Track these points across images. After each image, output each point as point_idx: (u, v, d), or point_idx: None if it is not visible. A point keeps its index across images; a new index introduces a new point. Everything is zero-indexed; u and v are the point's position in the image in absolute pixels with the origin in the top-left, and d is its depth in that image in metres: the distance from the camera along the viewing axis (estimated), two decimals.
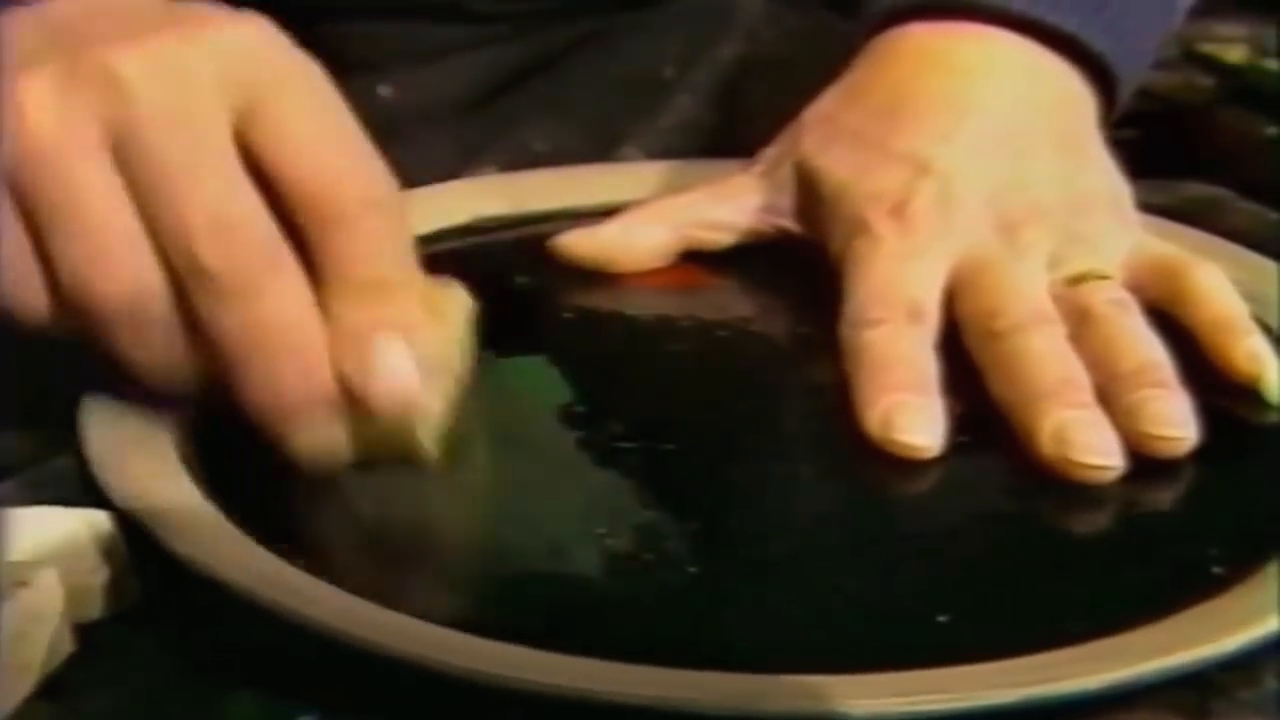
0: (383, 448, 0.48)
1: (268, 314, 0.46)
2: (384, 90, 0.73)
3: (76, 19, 0.49)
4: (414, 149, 0.71)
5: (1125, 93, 0.63)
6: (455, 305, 0.52)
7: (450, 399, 0.50)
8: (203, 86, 0.47)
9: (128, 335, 0.47)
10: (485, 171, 0.72)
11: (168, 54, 0.47)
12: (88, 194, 0.46)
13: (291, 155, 0.47)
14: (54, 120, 0.46)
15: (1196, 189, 0.71)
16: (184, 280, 0.47)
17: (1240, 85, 0.85)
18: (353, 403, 0.47)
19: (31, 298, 0.47)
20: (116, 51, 0.47)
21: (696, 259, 0.64)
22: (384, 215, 0.48)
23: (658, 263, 0.64)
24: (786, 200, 0.63)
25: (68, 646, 0.44)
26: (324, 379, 0.47)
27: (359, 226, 0.47)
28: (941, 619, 0.45)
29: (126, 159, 0.46)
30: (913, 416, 0.52)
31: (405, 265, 0.49)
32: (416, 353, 0.47)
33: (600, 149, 0.74)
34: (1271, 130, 0.81)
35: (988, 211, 0.58)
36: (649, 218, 0.64)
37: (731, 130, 0.75)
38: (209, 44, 0.48)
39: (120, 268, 0.46)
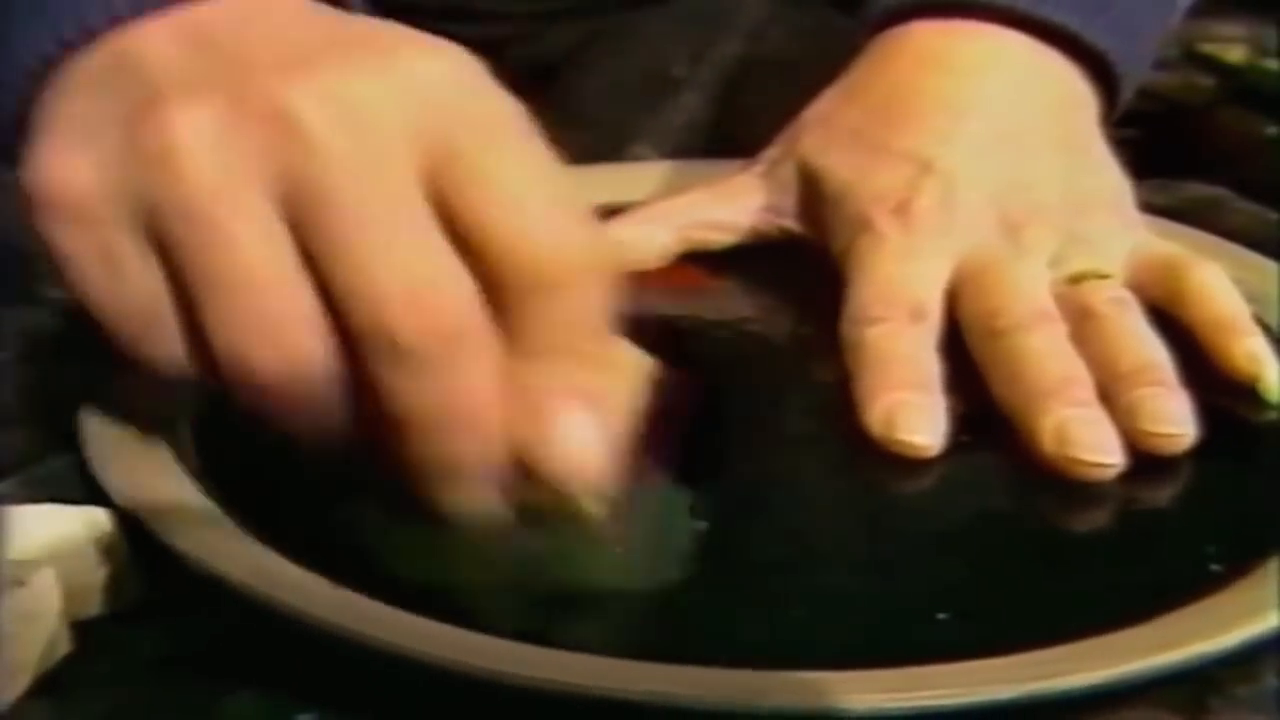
0: (546, 508, 0.45)
1: (457, 387, 0.42)
2: None
3: (229, 34, 0.43)
4: None
5: (1127, 91, 0.63)
6: (632, 366, 0.48)
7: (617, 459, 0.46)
8: (392, 131, 0.41)
9: (283, 403, 0.43)
10: None
11: (350, 91, 0.41)
12: (251, 258, 0.41)
13: (496, 214, 0.42)
14: (215, 166, 0.41)
15: (1196, 189, 0.71)
16: (366, 347, 0.42)
17: (1240, 85, 0.85)
18: (527, 472, 0.44)
19: (167, 352, 0.44)
20: (289, 85, 0.41)
21: (697, 259, 0.64)
22: (591, 285, 0.43)
23: (659, 263, 0.64)
24: (788, 200, 0.63)
25: (65, 646, 0.44)
26: (499, 450, 0.43)
27: (565, 296, 0.43)
28: (941, 616, 0.45)
29: (301, 213, 0.41)
30: (914, 415, 0.52)
31: (602, 338, 0.44)
32: (607, 429, 0.45)
33: (612, 148, 0.74)
34: (1271, 130, 0.81)
35: (990, 211, 0.58)
36: (650, 219, 0.64)
37: (739, 129, 0.75)
38: (398, 80, 0.42)
39: (283, 342, 0.42)
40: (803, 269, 0.62)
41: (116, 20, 0.43)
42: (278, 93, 0.41)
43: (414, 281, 0.41)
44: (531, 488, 0.44)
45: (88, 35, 0.43)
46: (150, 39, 0.43)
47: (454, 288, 0.42)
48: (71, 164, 0.42)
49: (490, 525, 0.45)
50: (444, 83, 0.43)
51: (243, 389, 0.43)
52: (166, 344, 0.43)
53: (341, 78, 0.42)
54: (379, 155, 0.41)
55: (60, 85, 0.44)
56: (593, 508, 0.45)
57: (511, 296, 0.42)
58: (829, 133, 0.62)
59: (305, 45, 0.43)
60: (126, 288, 0.43)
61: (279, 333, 0.42)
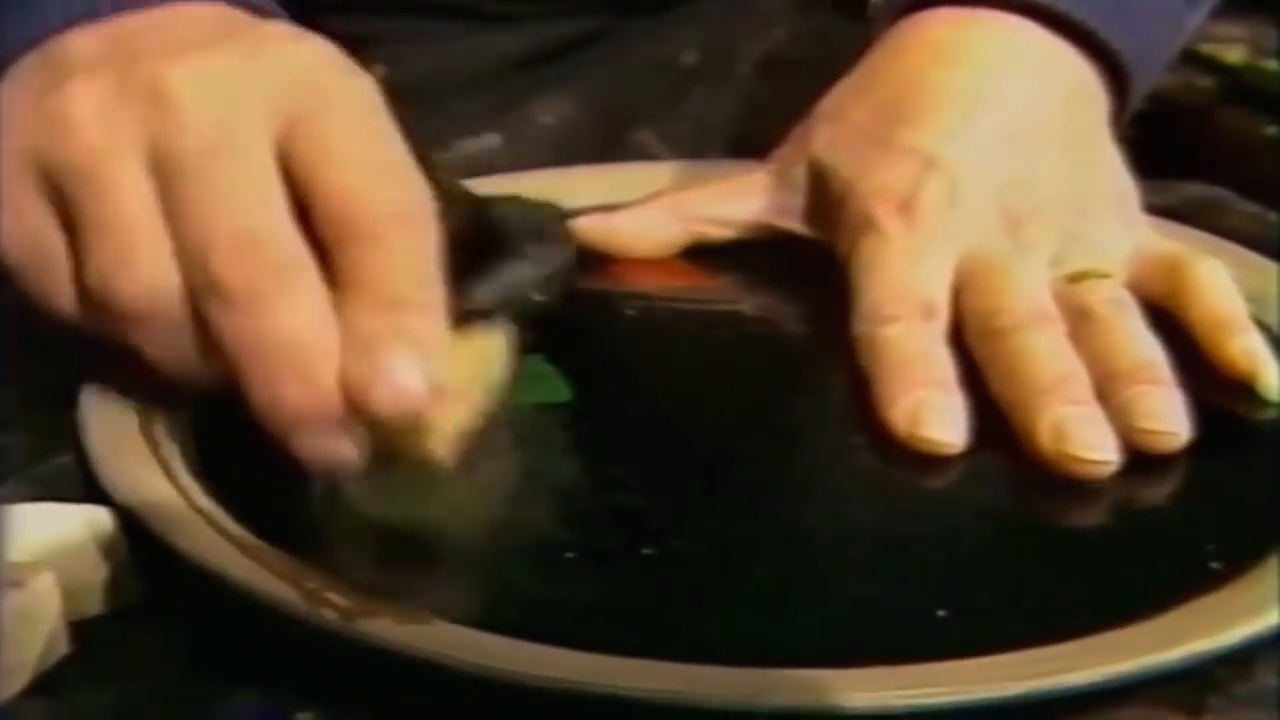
0: (394, 453, 0.48)
1: (275, 326, 0.46)
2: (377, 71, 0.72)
3: (141, 32, 0.49)
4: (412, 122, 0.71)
5: (1138, 93, 0.63)
6: (490, 342, 0.52)
7: (468, 417, 0.50)
8: (248, 103, 0.47)
9: (144, 333, 0.48)
10: (488, 140, 0.71)
11: (218, 70, 0.48)
12: (118, 197, 0.47)
13: (325, 171, 0.47)
14: (98, 128, 0.47)
15: (1196, 189, 0.71)
16: (197, 290, 0.46)
17: (1240, 85, 0.85)
18: (356, 409, 0.46)
19: (57, 292, 0.48)
20: (167, 66, 0.47)
21: (697, 258, 0.64)
22: (410, 234, 0.47)
23: (664, 253, 0.64)
24: (798, 200, 0.63)
25: (64, 647, 0.44)
26: (328, 389, 0.46)
27: (383, 243, 0.46)
28: (940, 614, 0.45)
29: (162, 171, 0.47)
30: (938, 413, 0.52)
31: (428, 285, 0.47)
32: (430, 367, 0.46)
33: (612, 129, 0.74)
34: (1271, 130, 0.81)
35: (993, 208, 0.58)
36: (660, 209, 0.65)
37: (748, 131, 0.75)
38: (263, 62, 0.48)
39: (140, 268, 0.47)
40: (802, 268, 0.62)
41: (53, 31, 0.50)
42: (156, 72, 0.47)
43: (239, 230, 0.46)
44: (375, 428, 0.47)
45: (29, 43, 0.50)
46: (75, 39, 0.50)
47: (278, 235, 0.46)
48: None
49: (345, 472, 0.47)
50: (305, 63, 0.49)
51: (109, 320, 0.48)
52: (57, 286, 0.48)
53: (213, 59, 0.48)
54: (234, 123, 0.47)
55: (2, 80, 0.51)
56: (436, 449, 0.48)
57: (335, 245, 0.47)
58: (839, 129, 0.62)
59: (194, 38, 0.49)
60: (26, 235, 0.48)
61: (136, 257, 0.47)
